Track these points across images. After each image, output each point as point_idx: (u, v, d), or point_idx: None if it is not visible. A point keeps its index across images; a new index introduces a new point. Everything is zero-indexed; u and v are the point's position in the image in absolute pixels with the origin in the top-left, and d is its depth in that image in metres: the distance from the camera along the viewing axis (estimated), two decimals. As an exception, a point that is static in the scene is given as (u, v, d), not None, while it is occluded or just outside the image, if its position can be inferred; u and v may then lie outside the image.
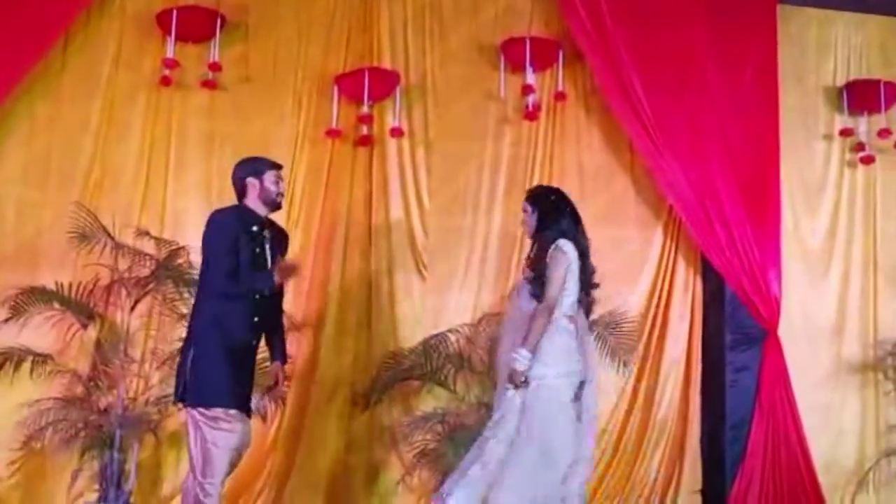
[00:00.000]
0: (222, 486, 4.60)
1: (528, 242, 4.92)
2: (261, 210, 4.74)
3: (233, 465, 4.68)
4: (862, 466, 6.96)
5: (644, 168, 6.94)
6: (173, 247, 6.13)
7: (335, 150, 6.74)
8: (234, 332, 4.56)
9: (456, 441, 5.92)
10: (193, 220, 6.21)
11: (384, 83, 6.66)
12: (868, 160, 7.19)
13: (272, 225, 4.82)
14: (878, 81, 7.14)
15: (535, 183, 6.58)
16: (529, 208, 4.76)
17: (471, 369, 6.21)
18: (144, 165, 6.54)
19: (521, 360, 4.45)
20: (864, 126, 7.17)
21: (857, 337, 7.12)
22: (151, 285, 6.12)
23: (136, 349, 6.19)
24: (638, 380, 6.84)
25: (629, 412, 6.81)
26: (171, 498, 6.12)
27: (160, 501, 6.11)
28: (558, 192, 4.85)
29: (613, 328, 6.42)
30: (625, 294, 6.77)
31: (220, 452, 4.50)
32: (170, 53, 6.38)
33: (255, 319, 4.66)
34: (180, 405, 4.69)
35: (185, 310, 5.85)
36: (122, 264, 6.12)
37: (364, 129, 6.67)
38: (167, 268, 6.07)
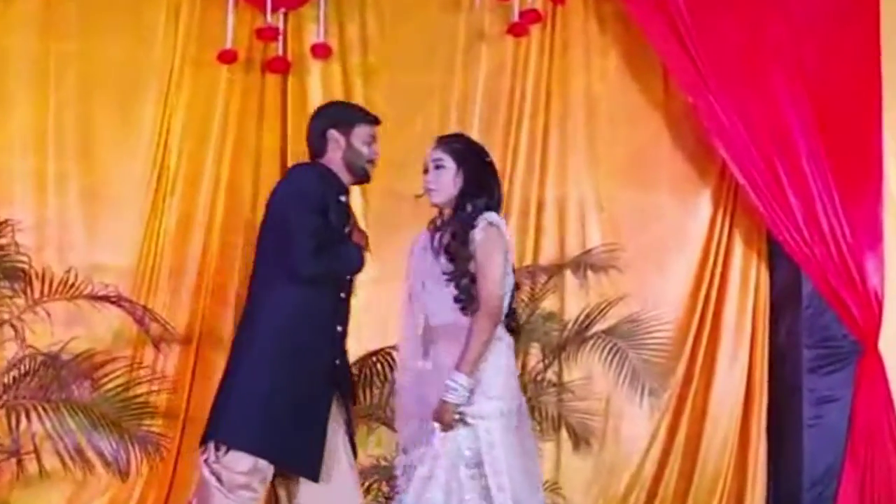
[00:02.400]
0: None
1: None
2: (344, 177, 4.29)
3: None
4: None
5: (684, 107, 6.30)
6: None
7: (231, 81, 6.13)
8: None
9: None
10: (20, 181, 5.83)
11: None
12: None
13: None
14: None
15: (523, 130, 6.17)
16: (451, 164, 4.20)
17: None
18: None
19: (457, 389, 4.00)
20: None
21: None
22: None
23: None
24: (675, 416, 6.27)
25: (662, 463, 6.22)
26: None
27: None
28: (483, 148, 4.45)
29: (638, 341, 5.79)
30: (655, 290, 6.25)
31: None
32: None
33: (339, 329, 4.27)
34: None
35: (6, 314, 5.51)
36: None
37: (278, 49, 6.08)
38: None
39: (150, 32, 6.07)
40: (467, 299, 4.07)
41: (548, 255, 6.05)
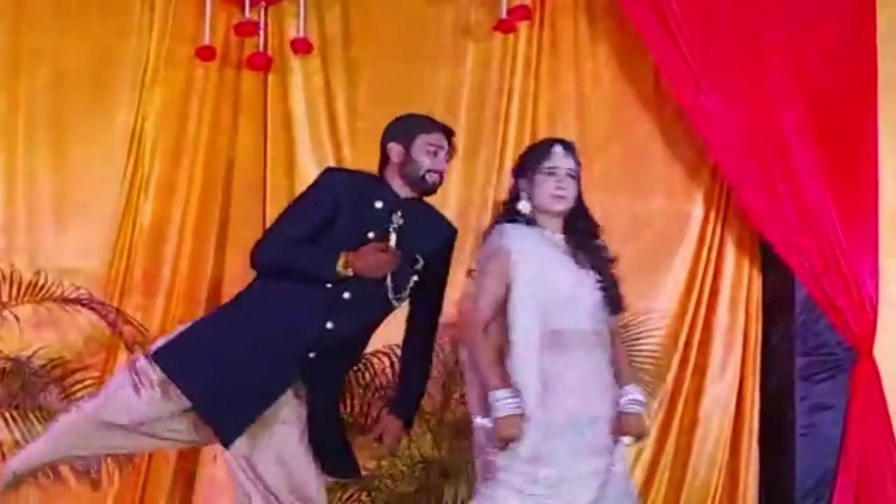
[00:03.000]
0: None
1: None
2: (401, 189, 4.28)
3: None
4: None
5: (676, 108, 6.16)
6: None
7: (208, 77, 6.02)
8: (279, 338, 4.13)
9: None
10: None
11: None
12: None
13: (419, 211, 4.35)
14: None
15: (511, 129, 6.07)
16: (578, 169, 4.22)
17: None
18: None
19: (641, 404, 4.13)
20: None
21: None
22: None
23: None
24: (665, 425, 6.17)
25: (651, 472, 6.15)
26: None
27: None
28: None
29: (627, 347, 5.40)
30: (647, 296, 6.08)
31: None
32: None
33: (328, 325, 4.17)
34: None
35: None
36: None
37: (258, 45, 5.97)
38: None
39: (124, 27, 5.95)
40: (620, 306, 4.09)
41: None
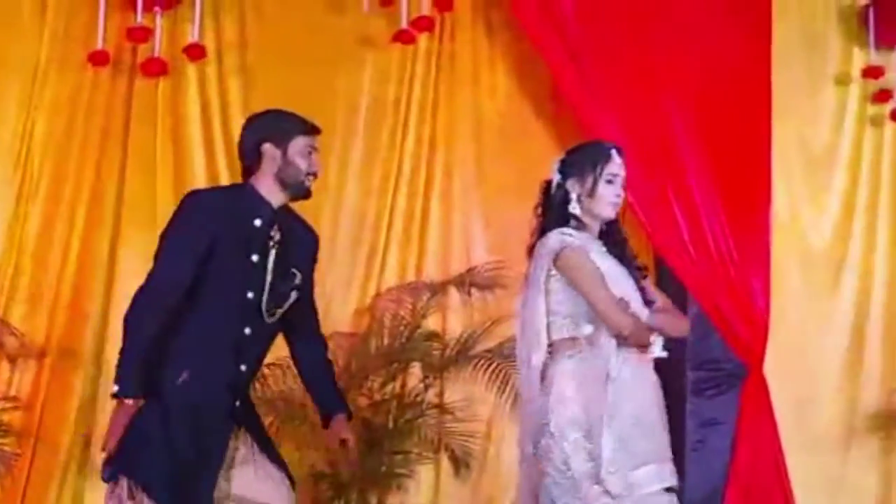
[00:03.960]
0: None
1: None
2: (275, 196, 4.05)
3: None
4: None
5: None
6: None
7: (98, 83, 5.97)
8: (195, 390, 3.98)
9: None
10: None
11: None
12: (902, 115, 6.87)
13: (289, 220, 4.17)
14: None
15: (409, 141, 6.11)
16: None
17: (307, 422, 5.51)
18: None
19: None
20: (897, 65, 6.87)
21: (880, 378, 6.47)
22: None
23: None
24: None
25: None
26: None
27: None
28: None
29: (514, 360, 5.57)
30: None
31: None
32: None
33: (243, 368, 4.07)
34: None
35: None
36: None
37: (153, 50, 5.93)
38: None
39: (14, 29, 5.87)
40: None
41: (430, 272, 5.87)
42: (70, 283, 5.86)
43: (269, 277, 4.01)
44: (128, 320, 3.86)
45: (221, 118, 6.09)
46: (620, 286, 3.95)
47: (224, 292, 3.99)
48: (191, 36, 5.92)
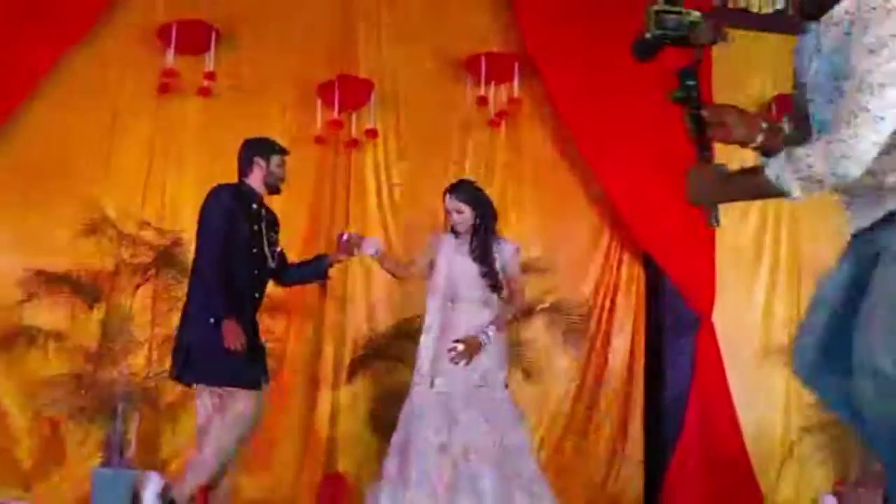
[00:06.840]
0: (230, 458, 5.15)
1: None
2: (260, 191, 5.31)
3: (241, 440, 5.19)
4: (787, 440, 7.73)
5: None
6: (171, 237, 6.89)
7: (316, 155, 7.59)
8: (232, 311, 4.99)
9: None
10: (189, 213, 6.51)
11: (360, 91, 7.50)
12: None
13: (266, 206, 5.35)
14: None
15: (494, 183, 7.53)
16: (466, 208, 5.69)
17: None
18: (146, 164, 7.36)
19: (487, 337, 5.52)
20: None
21: (783, 323, 7.88)
22: (151, 271, 6.91)
23: (137, 329, 6.95)
24: (586, 365, 7.76)
25: (578, 394, 7.74)
26: (168, 463, 6.95)
27: (157, 466, 6.76)
28: None
29: (564, 316, 7.42)
30: (575, 287, 7.72)
31: (226, 427, 4.99)
32: (169, 63, 7.25)
33: (256, 295, 5.24)
34: (181, 381, 5.28)
35: (180, 293, 6.23)
36: (126, 253, 6.91)
37: (352, 133, 7.55)
38: (165, 255, 6.86)
39: (266, 121, 7.15)
40: (499, 288, 5.57)
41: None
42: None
43: (265, 239, 5.12)
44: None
45: (386, 178, 7.69)
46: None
47: (241, 249, 5.03)
48: (369, 123, 7.49)
